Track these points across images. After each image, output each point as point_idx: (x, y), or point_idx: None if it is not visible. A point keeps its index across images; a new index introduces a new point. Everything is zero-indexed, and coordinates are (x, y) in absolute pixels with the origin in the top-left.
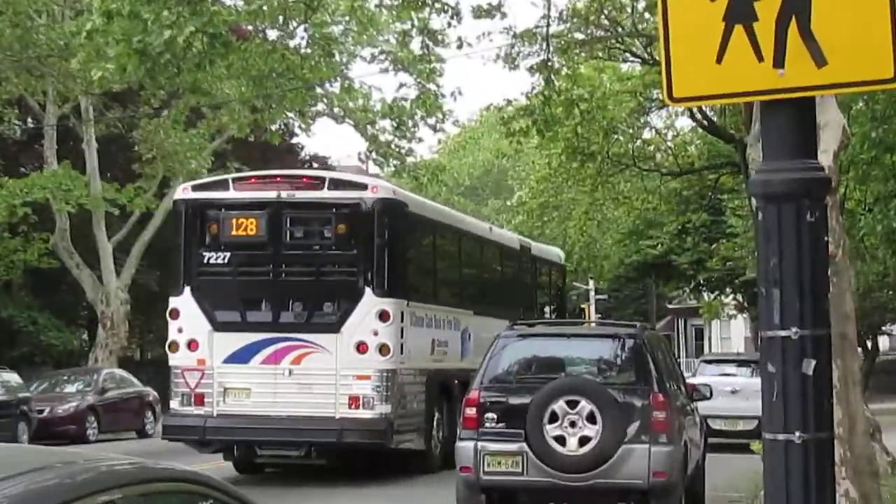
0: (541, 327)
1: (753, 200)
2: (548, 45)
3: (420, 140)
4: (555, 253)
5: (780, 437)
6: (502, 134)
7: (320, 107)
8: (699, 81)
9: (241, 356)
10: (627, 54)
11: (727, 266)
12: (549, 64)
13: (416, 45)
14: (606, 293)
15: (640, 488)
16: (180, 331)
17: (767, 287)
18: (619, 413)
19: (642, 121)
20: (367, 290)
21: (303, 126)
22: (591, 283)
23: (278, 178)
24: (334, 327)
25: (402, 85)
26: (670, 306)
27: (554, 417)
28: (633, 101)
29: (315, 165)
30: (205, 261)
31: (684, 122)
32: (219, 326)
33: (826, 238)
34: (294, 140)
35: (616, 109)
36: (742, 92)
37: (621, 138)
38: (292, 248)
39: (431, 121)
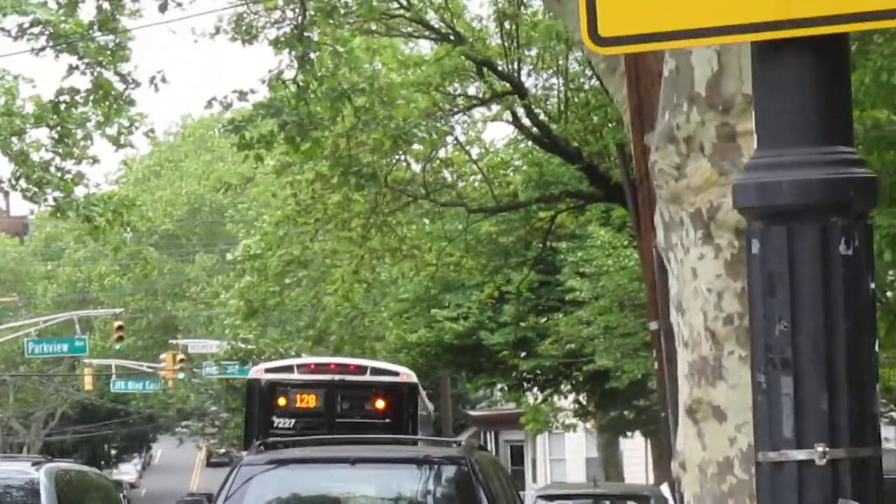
0: (305, 449)
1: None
2: (303, 5)
3: (95, 161)
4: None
5: None
6: (224, 151)
7: None
8: (645, 10)
9: None
10: (417, 26)
11: (566, 349)
12: (306, 35)
13: (88, 9)
14: None
15: None
16: None
17: (770, 373)
18: None
19: (438, 131)
20: None
21: None
22: None
23: (332, 366)
24: None
25: (72, 68)
26: (474, 413)
27: None
28: (425, 99)
29: None
30: (274, 425)
31: (497, 132)
32: None
33: (872, 284)
34: None
35: (408, 108)
36: (724, 27)
37: (409, 160)
38: (342, 417)
39: (113, 130)
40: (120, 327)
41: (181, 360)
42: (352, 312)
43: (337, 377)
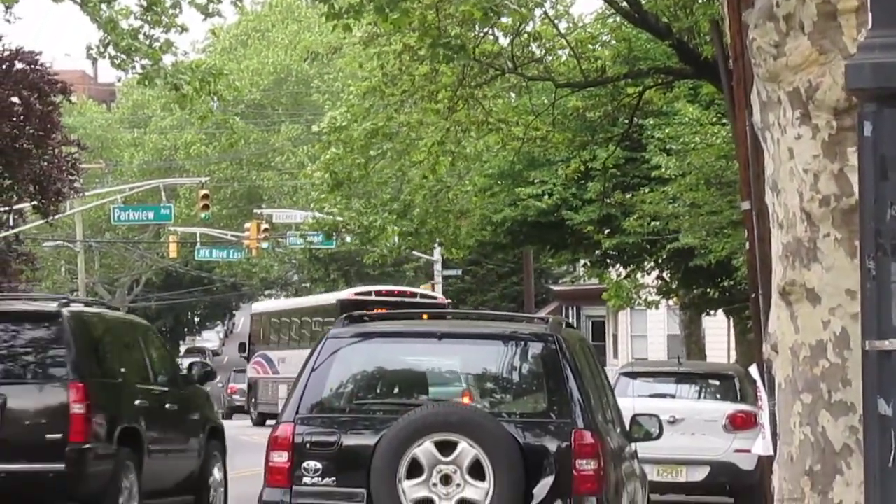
0: (391, 323)
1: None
2: None
3: (183, 30)
4: None
5: None
6: (310, 21)
7: None
8: None
9: None
10: None
11: (651, 227)
12: None
13: None
14: (460, 268)
15: None
16: None
17: (879, 260)
18: (522, 463)
19: (528, 4)
20: None
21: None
22: (439, 253)
23: (396, 292)
24: None
25: None
26: (556, 288)
27: (416, 470)
28: None
29: (18, 65)
30: None
31: (586, 6)
32: None
33: None
34: None
35: None
36: None
37: (497, 33)
38: None
39: None
40: (205, 196)
41: (265, 230)
42: (436, 186)
43: (398, 299)
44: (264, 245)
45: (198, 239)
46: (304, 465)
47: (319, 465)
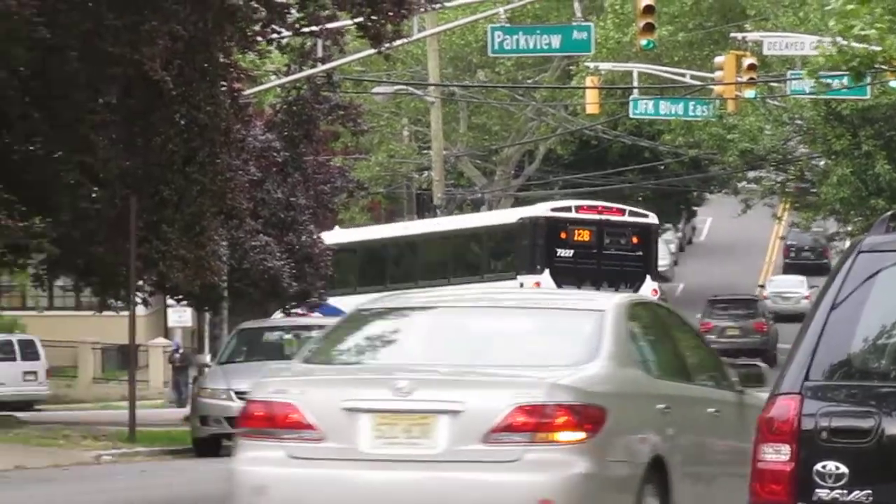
0: None
1: None
2: None
3: None
4: None
5: None
6: None
7: None
8: None
9: None
10: None
11: None
12: None
13: None
14: None
15: None
16: None
17: None
18: None
19: None
20: (647, 277)
21: None
22: None
23: (600, 208)
24: None
25: None
26: None
27: None
28: None
29: None
30: (557, 254)
31: None
32: None
33: None
34: None
35: None
36: None
37: None
38: (606, 249)
39: None
40: (648, 8)
41: (750, 68)
42: None
43: (604, 216)
44: (748, 94)
45: (634, 82)
46: (819, 467)
47: (845, 469)
